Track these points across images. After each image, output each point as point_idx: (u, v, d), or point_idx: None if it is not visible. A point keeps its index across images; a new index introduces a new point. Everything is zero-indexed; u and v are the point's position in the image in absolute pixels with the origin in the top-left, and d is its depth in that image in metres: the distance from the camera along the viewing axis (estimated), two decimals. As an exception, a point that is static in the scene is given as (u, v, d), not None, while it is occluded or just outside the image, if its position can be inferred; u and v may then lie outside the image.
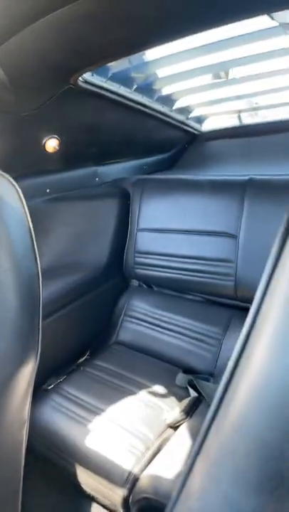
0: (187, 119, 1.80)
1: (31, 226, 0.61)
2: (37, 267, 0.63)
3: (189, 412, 1.11)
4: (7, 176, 0.59)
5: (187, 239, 1.39)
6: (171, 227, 1.42)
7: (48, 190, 1.41)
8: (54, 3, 0.65)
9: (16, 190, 0.61)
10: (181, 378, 1.26)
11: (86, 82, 1.16)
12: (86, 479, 1.03)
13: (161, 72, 1.43)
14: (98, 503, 1.09)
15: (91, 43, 0.81)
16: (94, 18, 0.69)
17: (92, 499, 1.09)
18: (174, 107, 1.65)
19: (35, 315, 0.64)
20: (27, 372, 0.65)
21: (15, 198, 0.60)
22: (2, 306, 0.59)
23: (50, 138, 1.27)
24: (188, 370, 1.31)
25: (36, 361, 0.66)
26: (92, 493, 1.04)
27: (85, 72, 1.06)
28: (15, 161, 1.24)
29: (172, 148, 1.93)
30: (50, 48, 0.80)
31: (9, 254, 0.60)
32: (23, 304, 0.62)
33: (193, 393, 1.19)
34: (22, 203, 0.61)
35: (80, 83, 1.12)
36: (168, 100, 1.61)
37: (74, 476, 1.06)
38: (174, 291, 1.51)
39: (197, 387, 1.20)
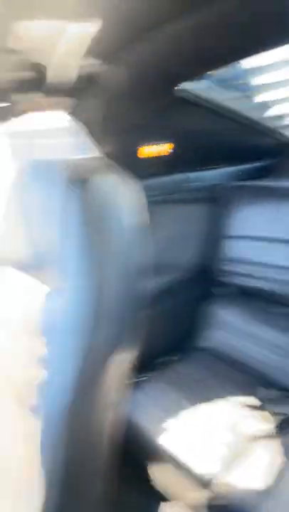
0: (284, 127, 1.74)
1: (145, 221, 0.64)
2: (142, 262, 0.65)
3: (274, 426, 1.07)
4: (123, 172, 0.63)
5: (283, 249, 1.33)
6: (266, 236, 1.38)
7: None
8: (173, 14, 0.69)
9: (129, 185, 0.64)
10: (265, 393, 1.21)
11: (185, 89, 1.19)
12: (165, 478, 1.04)
13: (258, 80, 1.41)
14: (175, 503, 1.09)
15: (205, 53, 0.83)
16: (212, 29, 0.71)
17: (169, 499, 1.10)
18: (269, 115, 1.62)
19: (135, 308, 0.67)
20: (123, 363, 0.68)
21: (127, 192, 0.63)
22: (105, 296, 0.63)
23: (148, 144, 1.32)
24: (273, 385, 1.26)
25: (133, 353, 0.69)
26: (170, 492, 1.05)
27: (187, 80, 1.09)
28: (118, 165, 1.32)
29: (267, 156, 1.87)
30: (166, 58, 0.84)
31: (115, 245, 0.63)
32: (124, 295, 0.65)
33: (278, 409, 1.14)
34: (134, 198, 0.64)
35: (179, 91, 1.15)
36: (264, 107, 1.58)
37: (152, 473, 1.07)
38: (263, 302, 1.46)
39: (283, 404, 1.16)
